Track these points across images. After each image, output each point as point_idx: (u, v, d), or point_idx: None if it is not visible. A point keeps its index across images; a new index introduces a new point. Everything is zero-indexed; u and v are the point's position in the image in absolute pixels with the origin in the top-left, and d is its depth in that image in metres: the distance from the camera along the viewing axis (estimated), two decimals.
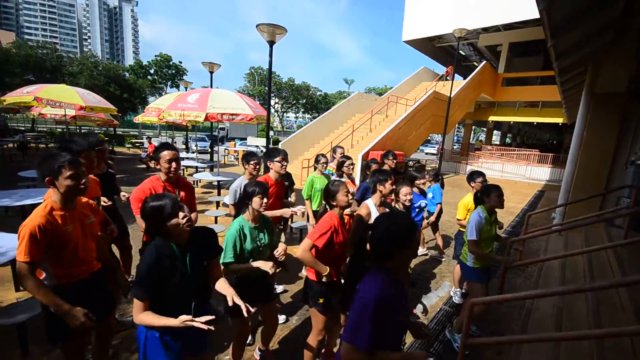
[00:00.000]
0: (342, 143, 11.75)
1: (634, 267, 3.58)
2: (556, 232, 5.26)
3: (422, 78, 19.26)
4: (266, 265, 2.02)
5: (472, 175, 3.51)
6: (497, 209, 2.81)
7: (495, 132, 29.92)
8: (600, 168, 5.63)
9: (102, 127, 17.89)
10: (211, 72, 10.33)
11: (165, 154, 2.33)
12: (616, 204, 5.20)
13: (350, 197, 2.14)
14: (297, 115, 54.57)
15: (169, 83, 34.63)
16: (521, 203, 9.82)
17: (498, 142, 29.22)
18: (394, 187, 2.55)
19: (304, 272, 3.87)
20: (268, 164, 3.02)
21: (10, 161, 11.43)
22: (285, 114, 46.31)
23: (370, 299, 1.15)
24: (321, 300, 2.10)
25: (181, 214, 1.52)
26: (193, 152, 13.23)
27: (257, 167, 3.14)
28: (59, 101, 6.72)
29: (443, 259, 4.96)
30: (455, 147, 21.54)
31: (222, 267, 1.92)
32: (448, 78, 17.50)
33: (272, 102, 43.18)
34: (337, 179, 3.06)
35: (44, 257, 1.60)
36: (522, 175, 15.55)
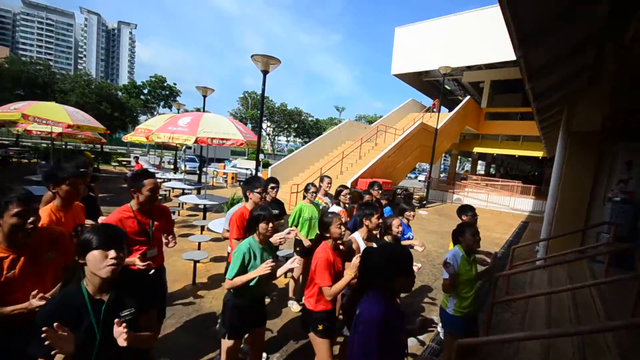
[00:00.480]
0: (331, 169, 11.87)
1: (615, 305, 3.61)
2: (540, 267, 5.31)
3: (410, 109, 20.05)
4: (263, 269, 2.02)
5: (463, 209, 3.45)
6: (478, 244, 2.61)
7: (480, 162, 30.92)
8: (579, 204, 5.80)
9: (88, 145, 17.59)
10: (204, 96, 10.48)
11: (149, 183, 2.20)
12: (596, 240, 5.34)
13: (343, 229, 2.24)
14: (289, 139, 55.35)
15: (162, 103, 34.85)
16: (506, 234, 9.95)
17: (483, 172, 30.10)
18: (379, 221, 2.58)
19: (292, 307, 3.77)
20: (247, 193, 2.93)
21: None
22: (276, 138, 46.84)
23: (374, 319, 1.23)
24: (320, 327, 2.14)
25: (112, 252, 1.19)
26: (181, 173, 13.07)
27: (262, 196, 3.00)
28: (46, 119, 6.63)
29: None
30: (442, 175, 22.06)
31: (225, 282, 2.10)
32: (434, 110, 18.27)
33: (264, 126, 43.78)
34: (331, 210, 3.10)
35: None
36: (506, 206, 15.89)
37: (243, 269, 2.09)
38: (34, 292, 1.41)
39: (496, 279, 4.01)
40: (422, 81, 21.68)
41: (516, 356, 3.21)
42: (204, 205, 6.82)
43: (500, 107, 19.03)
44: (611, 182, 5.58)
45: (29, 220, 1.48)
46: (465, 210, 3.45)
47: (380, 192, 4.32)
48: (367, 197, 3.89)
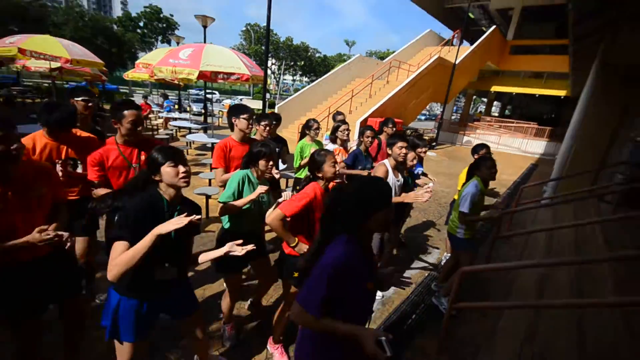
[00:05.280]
0: (340, 108, 11.46)
1: (618, 241, 3.70)
2: (545, 206, 5.36)
3: (427, 42, 18.37)
4: (257, 191, 1.96)
5: (476, 148, 3.59)
6: (494, 176, 2.77)
7: (495, 103, 29.37)
8: (600, 144, 5.60)
9: (90, 83, 17.11)
10: (204, 27, 9.69)
11: (130, 114, 2.03)
12: (610, 180, 5.26)
13: (337, 168, 2.01)
14: (295, 78, 52.35)
15: (160, 38, 32.61)
16: (514, 176, 9.89)
17: (497, 114, 28.80)
18: (404, 151, 2.60)
19: None
20: (233, 120, 2.62)
21: None
22: (281, 77, 44.36)
23: (329, 264, 1.12)
24: (296, 274, 1.95)
25: (182, 167, 1.43)
26: (187, 112, 12.84)
27: (269, 128, 2.81)
28: (43, 53, 6.29)
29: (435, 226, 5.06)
30: (453, 117, 21.23)
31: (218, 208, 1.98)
32: (454, 44, 16.72)
33: (269, 63, 41.26)
34: (325, 148, 2.95)
35: None
36: (517, 148, 15.55)
37: (238, 195, 2.00)
38: (39, 228, 1.41)
39: (500, 216, 4.09)
40: (444, 8, 19.40)
41: (514, 284, 3.42)
42: (212, 143, 6.81)
43: (528, 39, 17.20)
44: (637, 123, 5.28)
45: (12, 147, 1.35)
46: (478, 148, 3.56)
47: (394, 129, 4.16)
48: (368, 133, 3.56)
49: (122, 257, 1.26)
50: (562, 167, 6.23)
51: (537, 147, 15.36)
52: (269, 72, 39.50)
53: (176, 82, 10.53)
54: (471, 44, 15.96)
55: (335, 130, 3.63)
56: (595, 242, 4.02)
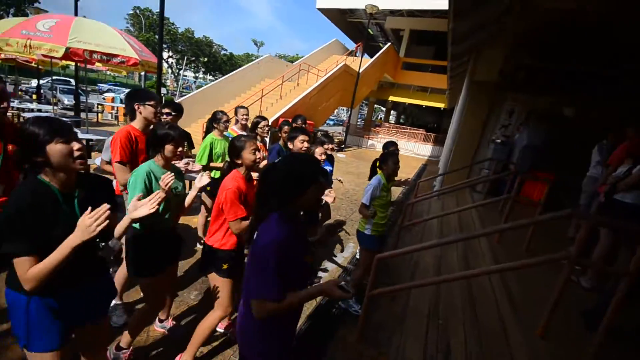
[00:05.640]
0: (249, 109, 10.99)
1: (490, 221, 4.50)
2: (436, 196, 6.21)
3: (333, 50, 19.52)
4: (165, 181, 1.57)
5: (387, 145, 3.78)
6: (396, 172, 2.90)
7: (392, 112, 33.44)
8: (471, 145, 6.85)
9: None
10: (76, 0, 7.85)
11: None
12: (479, 174, 6.44)
13: (258, 155, 1.90)
14: (197, 75, 48.00)
15: (11, 10, 25.51)
16: (411, 174, 11.33)
17: (394, 121, 32.84)
18: (306, 145, 2.47)
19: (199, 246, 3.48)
20: (136, 107, 2.18)
21: None
22: (181, 72, 40.10)
23: (269, 245, 1.12)
24: (225, 266, 1.87)
25: (76, 144, 1.14)
26: (51, 105, 10.19)
27: (158, 111, 2.33)
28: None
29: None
30: (359, 123, 23.23)
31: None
32: (357, 54, 18.22)
33: (165, 56, 36.90)
34: (245, 134, 2.68)
35: None
36: (411, 151, 17.96)
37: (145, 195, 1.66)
38: None
39: (404, 207, 4.50)
40: (346, 21, 20.95)
41: (417, 268, 3.76)
42: (87, 140, 5.50)
43: (416, 57, 20.09)
44: (496, 126, 6.67)
45: None
46: (389, 145, 3.78)
47: (304, 125, 4.07)
48: (285, 128, 3.48)
49: (33, 272, 1.04)
50: (445, 165, 7.35)
51: (426, 150, 18.06)
52: (165, 65, 35.27)
53: (32, 63, 8.24)
54: (371, 57, 17.68)
55: (255, 126, 3.46)
56: (473, 225, 4.82)
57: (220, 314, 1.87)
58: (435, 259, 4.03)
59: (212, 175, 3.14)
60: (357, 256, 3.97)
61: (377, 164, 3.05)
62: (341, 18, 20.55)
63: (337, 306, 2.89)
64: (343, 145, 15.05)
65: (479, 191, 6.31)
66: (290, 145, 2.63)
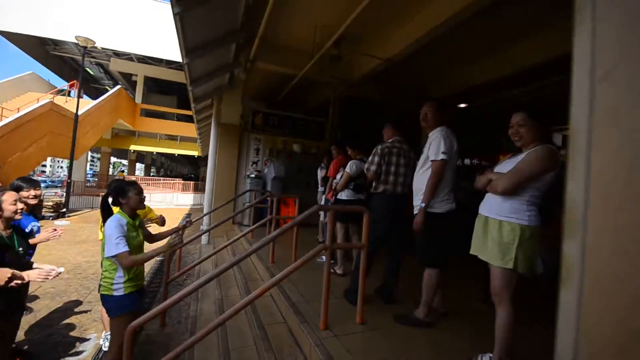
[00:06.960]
0: None
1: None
2: (204, 233, 5.75)
3: (31, 86, 14.45)
4: None
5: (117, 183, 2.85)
6: (142, 204, 2.30)
7: (138, 164, 29.40)
8: (229, 181, 7.05)
9: None
10: None
11: None
12: (242, 206, 6.65)
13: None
14: None
15: None
16: (173, 225, 10.03)
17: (142, 175, 28.97)
18: None
19: None
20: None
21: None
22: None
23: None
24: None
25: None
26: None
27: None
28: None
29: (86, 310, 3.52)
30: (90, 179, 18.37)
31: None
32: (72, 94, 14.51)
33: None
34: None
35: None
36: (170, 203, 16.26)
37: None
38: None
39: (169, 255, 3.64)
40: (49, 54, 16.32)
41: (196, 324, 3.02)
42: None
43: (157, 105, 18.85)
44: (248, 163, 7.32)
45: None
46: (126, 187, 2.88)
47: None
48: None
49: None
50: (210, 204, 7.05)
51: (187, 199, 17.01)
52: None
53: None
54: (95, 100, 14.67)
55: None
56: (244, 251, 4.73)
57: None
58: (216, 303, 3.48)
59: None
60: (104, 345, 2.65)
61: (111, 201, 2.21)
62: (41, 50, 15.78)
63: None
64: (64, 210, 10.92)
65: (246, 224, 6.53)
66: None
